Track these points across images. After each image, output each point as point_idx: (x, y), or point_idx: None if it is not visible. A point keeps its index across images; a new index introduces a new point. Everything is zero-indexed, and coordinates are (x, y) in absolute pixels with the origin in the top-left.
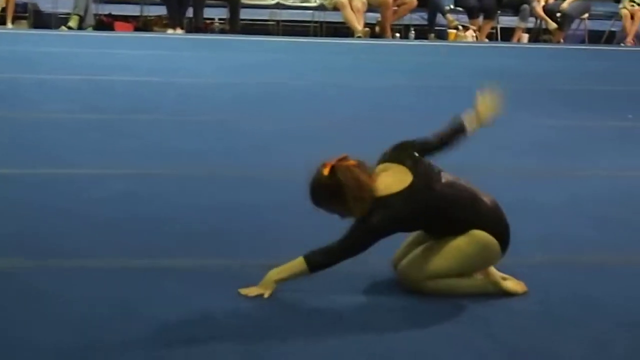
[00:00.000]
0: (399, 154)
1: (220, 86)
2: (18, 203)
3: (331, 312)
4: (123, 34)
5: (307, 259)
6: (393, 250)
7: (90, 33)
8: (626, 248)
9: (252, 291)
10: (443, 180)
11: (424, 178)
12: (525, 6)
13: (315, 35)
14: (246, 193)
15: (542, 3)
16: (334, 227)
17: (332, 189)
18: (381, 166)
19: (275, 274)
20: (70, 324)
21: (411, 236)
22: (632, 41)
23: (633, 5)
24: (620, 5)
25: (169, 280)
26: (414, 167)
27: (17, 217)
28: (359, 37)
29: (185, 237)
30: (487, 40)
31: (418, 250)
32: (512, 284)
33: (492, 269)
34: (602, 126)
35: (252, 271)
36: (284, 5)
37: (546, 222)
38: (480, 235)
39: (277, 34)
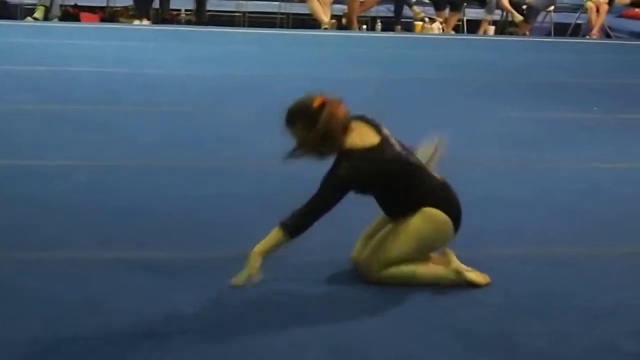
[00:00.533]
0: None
1: (187, 77)
2: None
3: (294, 303)
4: (89, 25)
5: (283, 226)
6: (354, 240)
7: (56, 24)
8: (592, 240)
9: (241, 278)
10: (403, 151)
11: (389, 142)
12: None
13: (282, 26)
14: (214, 184)
15: None
16: None
17: (313, 120)
18: (353, 123)
19: (258, 248)
20: (34, 317)
21: (367, 229)
22: (597, 34)
23: None
24: None
25: (136, 273)
26: (380, 131)
27: None
28: (326, 28)
29: (153, 229)
30: (453, 32)
31: (374, 241)
32: (475, 275)
33: (455, 260)
34: (568, 118)
35: (220, 263)
36: None
37: (513, 214)
38: (433, 212)
39: (244, 26)
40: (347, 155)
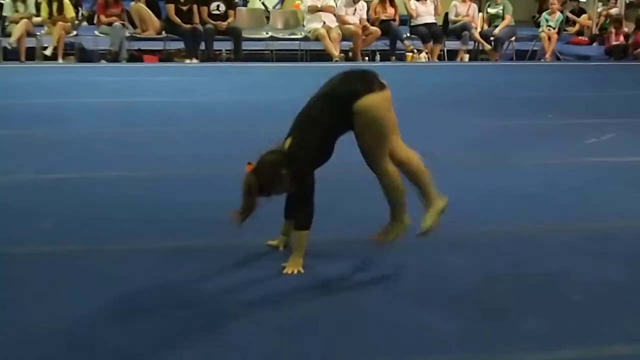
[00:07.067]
0: None
1: (229, 103)
2: (77, 198)
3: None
4: (150, 65)
5: (302, 227)
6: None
7: (124, 65)
8: (548, 220)
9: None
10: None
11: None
12: (466, 32)
13: (301, 60)
14: None
15: (479, 29)
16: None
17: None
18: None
19: (298, 256)
20: (123, 298)
21: None
22: (549, 57)
23: (549, 29)
24: (540, 30)
25: (193, 259)
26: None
27: (81, 207)
28: (336, 61)
29: (199, 224)
30: (436, 60)
31: None
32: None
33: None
34: (527, 125)
35: (252, 249)
36: (276, 37)
37: (482, 201)
38: (366, 102)
39: (272, 61)
40: (290, 153)
